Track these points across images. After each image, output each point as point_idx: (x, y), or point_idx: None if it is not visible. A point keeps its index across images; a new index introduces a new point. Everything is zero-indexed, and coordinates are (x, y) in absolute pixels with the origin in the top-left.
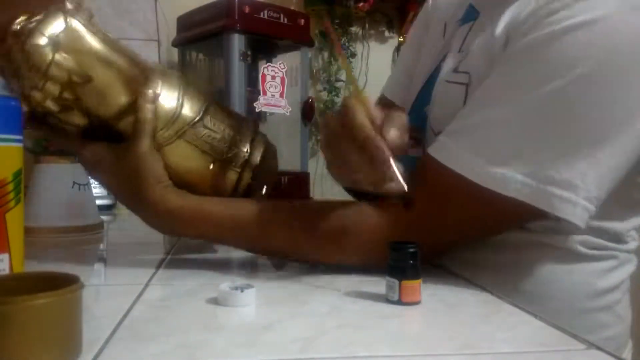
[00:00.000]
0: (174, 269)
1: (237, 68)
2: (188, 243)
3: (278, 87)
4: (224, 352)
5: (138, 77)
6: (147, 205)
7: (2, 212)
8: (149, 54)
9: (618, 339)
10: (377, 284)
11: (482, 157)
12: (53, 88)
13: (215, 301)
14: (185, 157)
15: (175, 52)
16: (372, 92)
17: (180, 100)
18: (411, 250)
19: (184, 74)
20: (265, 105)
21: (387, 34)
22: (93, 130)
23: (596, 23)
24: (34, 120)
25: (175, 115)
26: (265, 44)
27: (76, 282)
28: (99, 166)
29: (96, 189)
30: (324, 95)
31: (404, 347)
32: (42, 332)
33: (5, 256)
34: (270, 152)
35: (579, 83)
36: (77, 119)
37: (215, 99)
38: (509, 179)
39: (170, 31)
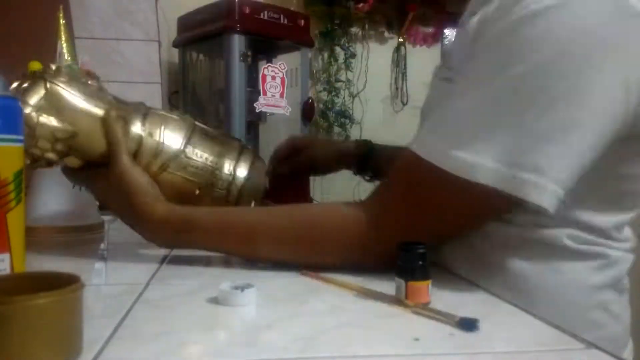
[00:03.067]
0: (175, 269)
1: (238, 68)
2: None
3: (278, 87)
4: (224, 352)
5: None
6: (137, 218)
7: (3, 212)
8: (150, 55)
9: (616, 339)
10: (377, 284)
11: (452, 144)
12: (45, 144)
13: (215, 301)
14: (172, 185)
15: (175, 52)
16: (371, 91)
17: (162, 136)
18: (418, 251)
19: (170, 109)
20: (266, 105)
21: (386, 34)
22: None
23: (564, 6)
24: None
25: (158, 150)
26: (265, 44)
27: (77, 282)
28: (94, 190)
29: None
30: (324, 95)
31: (404, 346)
32: (42, 332)
33: (6, 256)
34: (256, 170)
35: (546, 67)
36: (75, 162)
37: (197, 125)
38: (477, 165)
39: (170, 32)
